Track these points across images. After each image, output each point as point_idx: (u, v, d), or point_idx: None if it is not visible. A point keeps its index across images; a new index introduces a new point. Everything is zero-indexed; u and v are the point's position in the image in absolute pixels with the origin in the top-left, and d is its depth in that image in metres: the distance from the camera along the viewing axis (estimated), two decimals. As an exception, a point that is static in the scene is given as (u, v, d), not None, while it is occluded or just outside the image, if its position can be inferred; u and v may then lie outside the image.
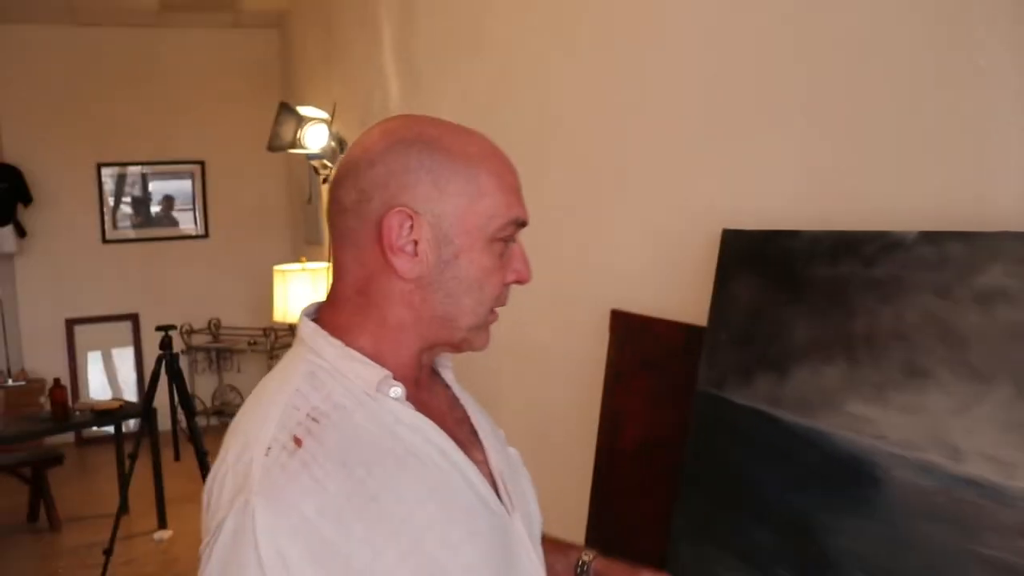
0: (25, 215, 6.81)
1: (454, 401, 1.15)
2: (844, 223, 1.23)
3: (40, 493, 5.29)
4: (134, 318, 7.25)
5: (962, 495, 1.02)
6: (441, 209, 0.98)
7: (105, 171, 7.19)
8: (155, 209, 7.43)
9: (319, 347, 1.00)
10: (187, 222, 7.47)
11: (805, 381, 1.25)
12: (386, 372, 0.98)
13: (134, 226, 7.36)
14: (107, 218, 7.22)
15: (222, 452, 0.94)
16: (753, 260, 1.38)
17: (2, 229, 6.65)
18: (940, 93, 1.10)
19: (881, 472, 1.12)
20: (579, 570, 1.24)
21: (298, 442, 0.90)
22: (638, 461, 1.72)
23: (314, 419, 0.93)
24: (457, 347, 1.06)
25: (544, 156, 2.22)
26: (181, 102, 7.19)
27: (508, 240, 1.02)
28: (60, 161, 6.93)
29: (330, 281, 1.07)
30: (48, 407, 5.35)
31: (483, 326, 1.04)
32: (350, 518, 0.88)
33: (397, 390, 0.98)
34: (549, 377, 2.26)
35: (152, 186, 7.41)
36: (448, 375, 1.17)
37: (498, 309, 1.05)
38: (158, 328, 4.60)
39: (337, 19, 4.93)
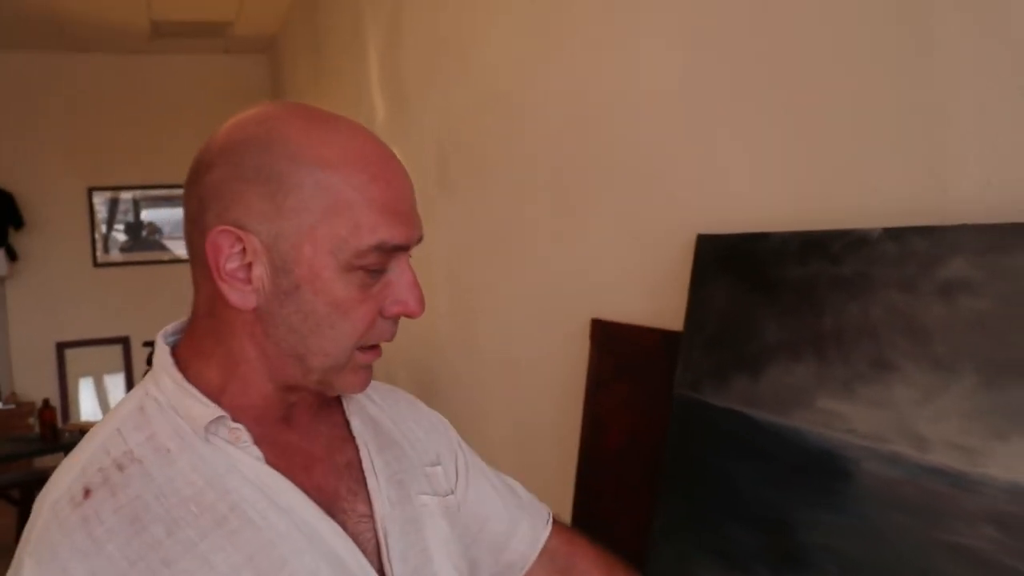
0: (16, 239, 6.83)
1: (343, 441, 0.95)
2: (814, 223, 1.26)
3: (28, 515, 5.24)
4: (125, 341, 7.25)
5: (929, 484, 1.04)
6: (278, 229, 0.79)
7: (98, 197, 7.20)
8: (145, 234, 7.45)
9: (159, 377, 0.86)
10: (180, 248, 7.48)
11: (778, 380, 1.27)
12: (220, 412, 0.82)
13: (124, 250, 7.37)
14: (98, 242, 7.24)
15: None
16: (726, 264, 1.40)
17: (-7, 253, 6.66)
18: (898, 87, 1.12)
19: (852, 465, 1.13)
20: None
21: (87, 494, 0.78)
22: (619, 464, 1.73)
23: (119, 466, 0.80)
24: (318, 390, 0.88)
25: (526, 170, 2.25)
26: (172, 127, 7.22)
27: (376, 270, 0.82)
28: (51, 185, 6.97)
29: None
30: (37, 428, 5.35)
31: (346, 367, 0.85)
32: None
33: (240, 434, 0.83)
34: (532, 387, 2.27)
35: (144, 213, 7.42)
36: (352, 405, 0.99)
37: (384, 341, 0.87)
38: (145, 344, 4.59)
39: (325, 41, 4.98)
